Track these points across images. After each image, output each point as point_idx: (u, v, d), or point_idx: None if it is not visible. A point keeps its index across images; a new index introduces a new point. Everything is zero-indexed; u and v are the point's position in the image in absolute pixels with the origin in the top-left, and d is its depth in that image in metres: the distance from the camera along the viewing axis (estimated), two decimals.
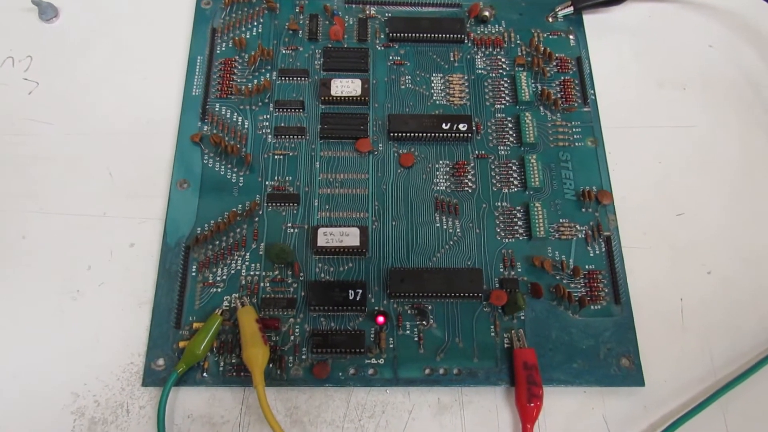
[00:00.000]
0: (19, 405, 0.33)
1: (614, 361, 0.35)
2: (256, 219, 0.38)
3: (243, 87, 0.41)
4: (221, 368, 0.34)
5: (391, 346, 0.35)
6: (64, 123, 0.41)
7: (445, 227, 0.38)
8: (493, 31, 0.45)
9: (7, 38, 0.43)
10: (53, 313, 0.35)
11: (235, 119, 0.41)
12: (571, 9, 0.45)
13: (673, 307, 0.37)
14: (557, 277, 0.37)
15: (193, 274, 0.36)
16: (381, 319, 0.35)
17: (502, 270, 0.37)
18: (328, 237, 0.37)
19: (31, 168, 0.39)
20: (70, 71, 0.43)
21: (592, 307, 0.36)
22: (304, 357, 0.34)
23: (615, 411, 0.34)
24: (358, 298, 0.35)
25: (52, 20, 0.44)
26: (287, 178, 0.39)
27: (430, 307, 0.36)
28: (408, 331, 0.35)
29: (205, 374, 0.34)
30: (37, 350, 0.34)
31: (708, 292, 0.37)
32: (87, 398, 0.34)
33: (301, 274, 0.36)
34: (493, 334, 0.35)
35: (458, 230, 0.38)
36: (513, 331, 0.35)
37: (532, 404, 0.33)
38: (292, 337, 0.35)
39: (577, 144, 0.41)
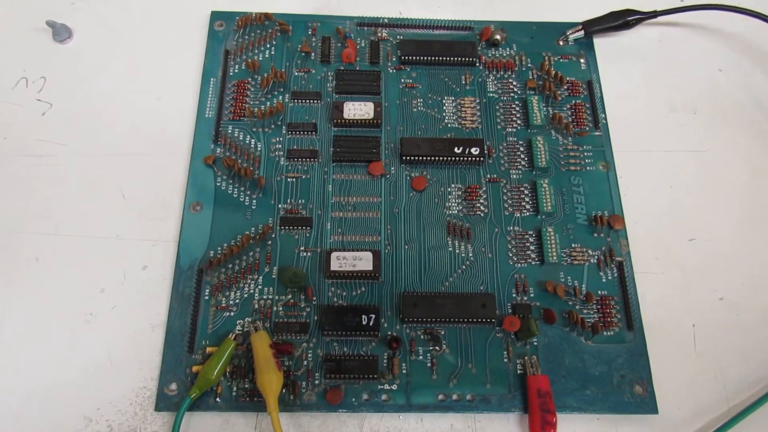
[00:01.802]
0: (32, 429, 0.33)
1: (627, 387, 0.35)
2: (269, 242, 0.38)
3: (256, 109, 0.41)
4: (234, 393, 0.34)
5: (404, 371, 0.35)
6: (77, 144, 0.41)
7: (457, 251, 0.38)
8: (505, 55, 0.45)
9: (21, 59, 0.44)
10: (66, 336, 0.35)
11: (248, 141, 0.41)
12: (581, 33, 0.45)
13: (685, 333, 0.37)
14: (570, 303, 0.37)
15: (206, 297, 0.36)
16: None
17: (514, 295, 0.37)
18: (341, 261, 0.37)
19: (44, 189, 0.39)
20: (83, 92, 0.43)
21: (604, 333, 0.36)
22: (317, 382, 0.34)
23: None
24: (371, 323, 0.35)
25: (66, 41, 0.44)
26: (300, 201, 0.39)
27: (442, 332, 0.36)
28: (421, 357, 0.35)
29: (218, 399, 0.34)
30: (51, 374, 0.34)
31: (720, 318, 0.37)
32: (100, 423, 0.34)
33: (314, 299, 0.36)
34: (506, 359, 0.35)
35: (471, 254, 0.38)
36: (526, 357, 0.35)
37: None
38: (305, 362, 0.35)
39: (588, 168, 0.41)
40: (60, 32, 0.44)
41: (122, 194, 0.39)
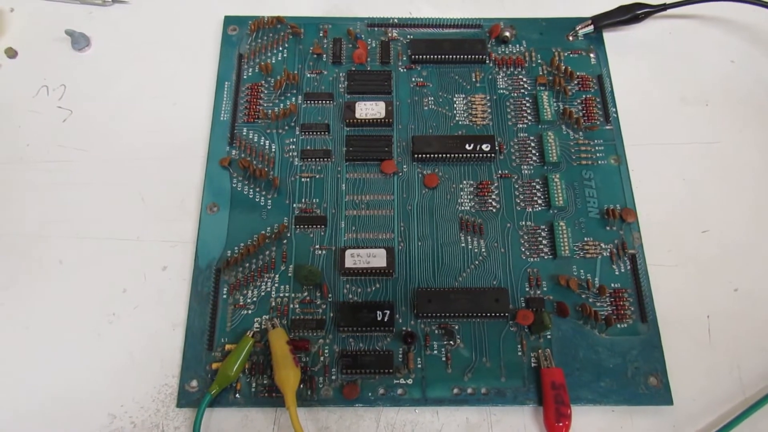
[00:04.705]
0: (57, 427, 0.34)
1: (642, 379, 0.35)
2: (285, 241, 0.39)
3: (270, 111, 0.42)
4: (253, 389, 0.35)
5: (420, 366, 0.35)
6: (97, 149, 0.42)
7: (470, 247, 0.39)
8: (514, 51, 0.45)
9: (41, 68, 0.45)
10: (90, 336, 0.36)
11: (262, 143, 0.42)
12: (591, 27, 0.45)
13: (700, 325, 0.37)
14: (583, 296, 0.37)
15: (224, 296, 0.37)
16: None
17: (527, 289, 0.37)
18: (355, 258, 0.37)
19: (66, 194, 0.41)
20: (102, 99, 0.44)
21: (618, 325, 0.36)
22: (334, 378, 0.35)
23: (643, 430, 0.34)
24: (386, 319, 0.36)
25: (85, 49, 0.46)
26: (314, 201, 0.40)
27: (456, 327, 0.36)
28: (435, 351, 0.36)
29: (237, 395, 0.35)
30: (76, 373, 0.36)
31: (735, 309, 0.37)
32: (123, 420, 0.34)
33: (330, 296, 0.37)
34: (520, 353, 0.36)
35: (483, 250, 0.38)
36: (540, 351, 0.36)
37: (561, 424, 0.33)
38: (321, 358, 0.36)
39: (600, 162, 0.41)
40: (79, 41, 0.45)
41: (141, 197, 0.40)
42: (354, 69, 0.44)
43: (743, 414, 0.34)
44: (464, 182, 0.40)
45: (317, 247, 0.38)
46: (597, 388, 0.35)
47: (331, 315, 0.37)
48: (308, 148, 0.41)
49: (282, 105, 0.43)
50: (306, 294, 0.37)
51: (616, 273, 0.38)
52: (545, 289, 0.37)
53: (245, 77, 0.44)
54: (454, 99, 0.43)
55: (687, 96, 0.44)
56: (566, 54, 0.45)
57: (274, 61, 0.44)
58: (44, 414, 0.35)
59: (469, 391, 0.35)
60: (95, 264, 0.38)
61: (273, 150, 0.41)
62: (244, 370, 0.35)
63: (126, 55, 0.46)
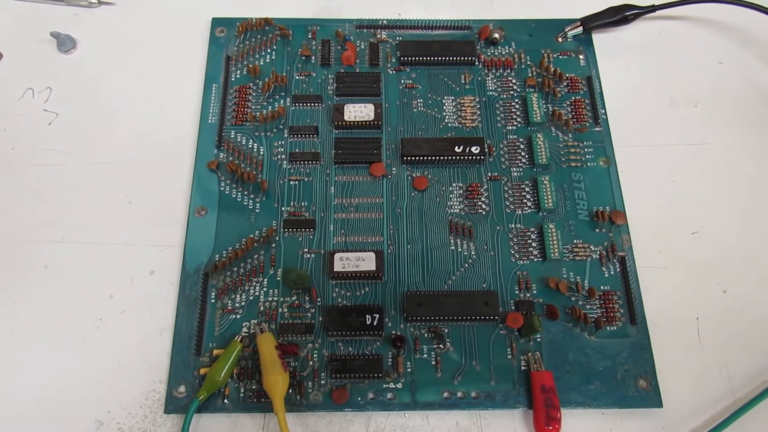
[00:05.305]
0: None
1: (632, 382, 0.35)
2: (273, 245, 0.38)
3: (258, 114, 0.42)
4: (242, 394, 0.35)
5: (409, 370, 0.35)
6: (83, 152, 0.42)
7: (459, 250, 0.38)
8: (504, 53, 0.45)
9: (27, 70, 0.44)
10: (77, 341, 0.36)
11: (250, 146, 0.41)
12: (580, 29, 0.45)
13: (689, 327, 0.37)
14: (572, 299, 0.37)
15: (213, 300, 0.37)
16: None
17: (517, 292, 0.37)
18: (344, 262, 0.37)
19: (52, 198, 0.40)
20: (88, 101, 0.43)
21: (608, 328, 0.36)
22: (323, 382, 0.35)
23: None
24: (375, 323, 0.36)
25: (71, 52, 0.45)
26: (303, 204, 0.40)
27: (446, 331, 0.36)
28: (425, 355, 0.36)
29: (225, 401, 0.34)
30: (62, 378, 0.35)
31: (724, 311, 0.37)
32: (111, 426, 0.34)
33: (319, 300, 0.37)
34: (509, 356, 0.36)
35: (473, 253, 0.38)
36: (530, 354, 0.35)
37: (551, 427, 0.33)
38: (310, 363, 0.35)
39: (589, 164, 0.41)
40: (64, 43, 0.45)
41: (128, 201, 0.40)
42: (343, 71, 0.44)
43: (733, 416, 0.34)
44: (454, 185, 0.40)
45: (306, 250, 0.38)
46: (587, 391, 0.35)
47: (320, 319, 0.36)
48: (297, 150, 0.41)
49: (270, 107, 0.42)
50: (295, 298, 0.37)
51: (606, 275, 0.38)
52: (535, 291, 0.37)
53: (233, 79, 0.44)
54: (444, 101, 0.43)
55: (676, 97, 0.44)
56: (555, 55, 0.45)
57: (262, 63, 0.44)
58: (30, 420, 0.34)
59: (459, 394, 0.35)
60: (82, 268, 0.38)
61: (261, 153, 0.41)
62: (233, 375, 0.35)
63: (112, 57, 0.45)
